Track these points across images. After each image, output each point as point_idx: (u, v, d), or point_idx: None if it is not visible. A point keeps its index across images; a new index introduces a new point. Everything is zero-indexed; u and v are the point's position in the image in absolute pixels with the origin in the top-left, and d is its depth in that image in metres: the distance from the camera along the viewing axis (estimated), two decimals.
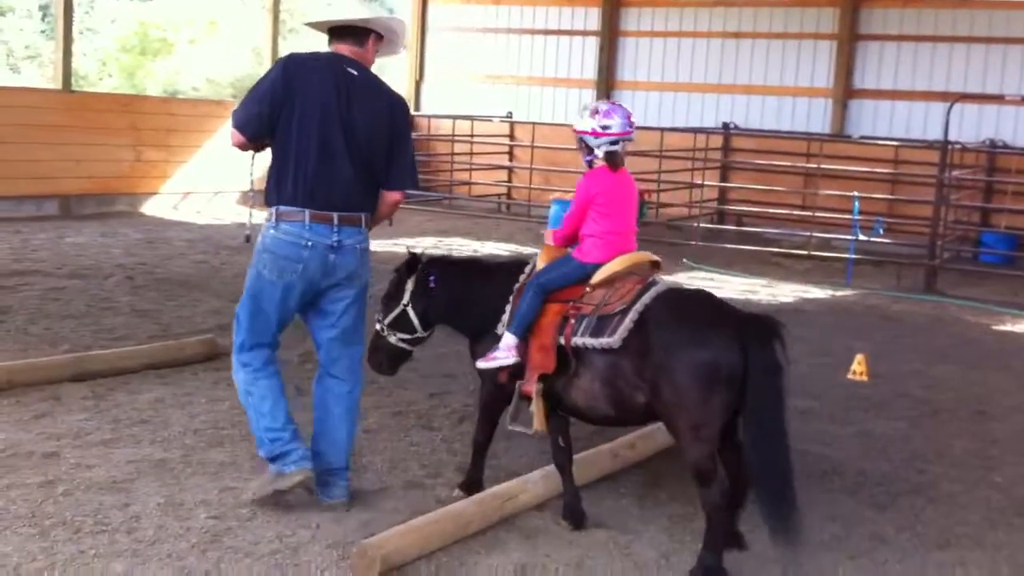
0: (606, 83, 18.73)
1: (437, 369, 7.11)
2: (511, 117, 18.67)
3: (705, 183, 15.52)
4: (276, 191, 4.57)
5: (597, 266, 4.63)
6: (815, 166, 14.54)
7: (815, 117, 17.09)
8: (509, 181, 18.43)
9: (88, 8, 49.57)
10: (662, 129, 15.75)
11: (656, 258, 4.81)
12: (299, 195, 4.51)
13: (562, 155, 16.86)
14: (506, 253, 13.40)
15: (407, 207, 16.32)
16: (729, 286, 11.68)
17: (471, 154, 18.17)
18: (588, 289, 4.57)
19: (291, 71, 4.57)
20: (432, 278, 4.98)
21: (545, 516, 4.69)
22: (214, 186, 16.19)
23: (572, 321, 4.49)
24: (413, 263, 5.05)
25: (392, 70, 47.68)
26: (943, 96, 15.50)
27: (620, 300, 4.44)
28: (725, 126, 17.18)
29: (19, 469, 4.79)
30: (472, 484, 4.87)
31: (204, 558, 4.05)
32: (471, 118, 17.93)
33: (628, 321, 4.34)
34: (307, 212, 4.51)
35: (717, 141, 16.96)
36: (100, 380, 6.23)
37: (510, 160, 18.59)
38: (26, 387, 5.91)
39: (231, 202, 16.40)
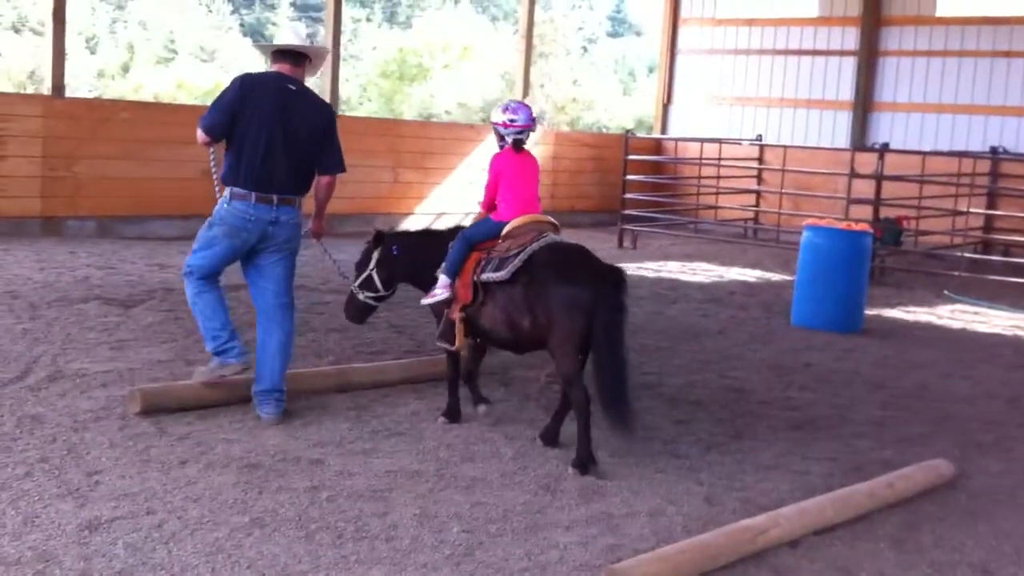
0: (863, 105, 18.09)
1: (684, 396, 7.04)
2: (761, 140, 18.32)
3: (970, 210, 14.69)
4: (231, 176, 5.88)
5: (505, 223, 5.90)
6: None
7: None
8: (757, 206, 18.07)
9: (351, 36, 52.25)
10: (923, 153, 15.04)
11: (554, 221, 6.02)
12: (248, 181, 5.82)
13: (814, 179, 16.40)
14: (752, 280, 13.14)
15: (650, 230, 16.30)
16: (996, 320, 11.00)
17: (718, 178, 17.95)
18: (500, 241, 5.86)
19: (246, 87, 5.90)
20: (395, 248, 6.39)
21: (797, 554, 4.54)
22: (466, 207, 16.71)
23: (482, 263, 5.79)
24: (379, 238, 6.43)
25: (640, 93, 47.70)
26: None
27: (517, 247, 5.71)
28: (993, 150, 16.19)
29: (288, 473, 5.08)
30: (450, 412, 6.10)
31: (458, 570, 4.15)
32: (719, 141, 17.72)
33: (517, 261, 5.62)
34: (253, 194, 5.83)
35: (984, 166, 16.03)
36: (361, 391, 6.53)
37: (759, 184, 18.23)
38: (295, 395, 6.26)
39: None
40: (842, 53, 18.46)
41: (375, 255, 6.43)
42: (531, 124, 6.04)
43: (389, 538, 4.41)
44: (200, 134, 5.93)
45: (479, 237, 5.97)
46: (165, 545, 4.19)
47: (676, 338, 9.02)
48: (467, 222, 16.65)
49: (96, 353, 7.08)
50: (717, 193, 17.87)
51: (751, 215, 17.99)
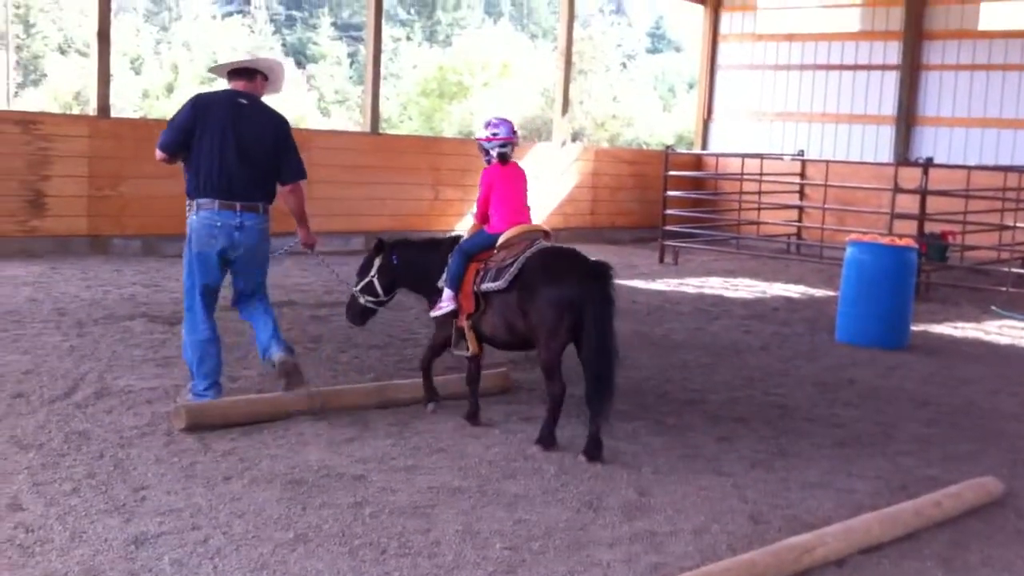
0: (906, 119, 17.95)
1: (727, 412, 6.99)
2: (803, 155, 18.21)
3: (1017, 225, 14.49)
4: (194, 189, 6.29)
5: (499, 235, 6.26)
6: None
7: None
8: (800, 221, 17.94)
9: (392, 55, 52.53)
10: (968, 167, 14.87)
11: (546, 228, 6.47)
12: (209, 190, 6.22)
13: (857, 194, 16.27)
14: (795, 296, 13.04)
15: (692, 246, 16.23)
16: None
17: (760, 193, 17.85)
18: (495, 252, 6.20)
19: (199, 107, 6.31)
20: (394, 256, 6.72)
21: (843, 573, 4.48)
22: None
23: (481, 274, 6.14)
24: (380, 246, 6.81)
25: (680, 109, 47.60)
26: None
27: (512, 256, 6.06)
28: None
29: (331, 489, 5.09)
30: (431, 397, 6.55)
31: None
32: (760, 156, 17.64)
33: (514, 269, 5.99)
34: (216, 202, 6.21)
35: None
36: (402, 408, 6.55)
37: (801, 199, 18.11)
38: (337, 411, 6.29)
39: None
40: (884, 67, 18.33)
41: (376, 262, 6.79)
42: (513, 137, 6.46)
43: (432, 555, 4.41)
44: (157, 152, 6.38)
45: (475, 249, 6.33)
46: (210, 560, 4.22)
47: (719, 354, 8.96)
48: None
49: (142, 370, 7.16)
50: (759, 208, 17.76)
51: (794, 230, 17.86)
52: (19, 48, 55.39)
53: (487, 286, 6.11)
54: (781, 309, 11.76)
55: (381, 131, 16.24)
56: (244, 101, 6.35)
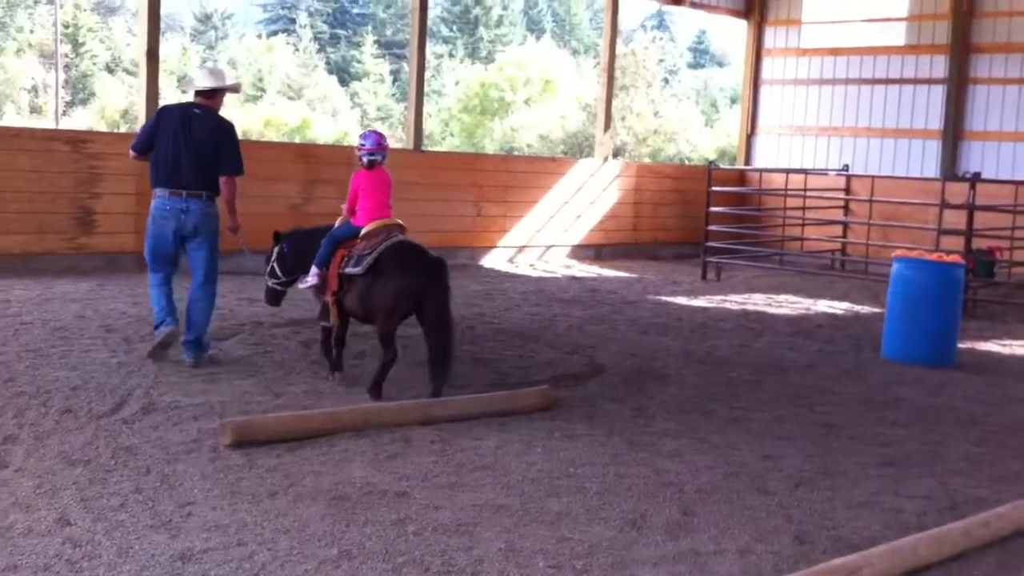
0: (953, 133, 17.75)
1: (772, 431, 6.94)
2: (847, 170, 18.07)
3: None
4: (152, 180, 7.74)
5: (361, 228, 7.40)
6: None
7: None
8: (844, 236, 17.79)
9: (434, 72, 52.81)
10: (1016, 182, 14.68)
11: (401, 223, 7.50)
12: (161, 181, 7.67)
13: (903, 209, 16.11)
14: (840, 313, 12.93)
15: (735, 262, 16.14)
16: None
17: (804, 209, 17.71)
18: (359, 241, 7.35)
19: (160, 116, 7.84)
20: (285, 245, 7.92)
21: None
22: (547, 240, 16.76)
23: (345, 259, 7.32)
24: (277, 237, 7.99)
25: (723, 124, 47.31)
26: None
27: (370, 247, 7.23)
28: None
29: (375, 506, 5.11)
30: (334, 367, 7.72)
31: None
32: (805, 171, 17.50)
33: (370, 258, 7.16)
34: (167, 191, 7.66)
35: None
36: (445, 425, 6.56)
37: (846, 215, 17.95)
38: (380, 429, 6.31)
39: (562, 255, 16.89)
40: (930, 81, 18.15)
41: (275, 250, 7.98)
42: (375, 149, 7.52)
43: (475, 572, 4.41)
44: (130, 152, 7.98)
45: (342, 237, 7.49)
46: None
47: (763, 372, 8.90)
48: (549, 255, 16.74)
49: (188, 386, 7.23)
50: (803, 224, 17.62)
51: (838, 246, 17.70)
52: (68, 67, 56.36)
53: (349, 270, 7.26)
54: (826, 326, 11.66)
55: (424, 148, 16.33)
56: (197, 110, 7.78)
